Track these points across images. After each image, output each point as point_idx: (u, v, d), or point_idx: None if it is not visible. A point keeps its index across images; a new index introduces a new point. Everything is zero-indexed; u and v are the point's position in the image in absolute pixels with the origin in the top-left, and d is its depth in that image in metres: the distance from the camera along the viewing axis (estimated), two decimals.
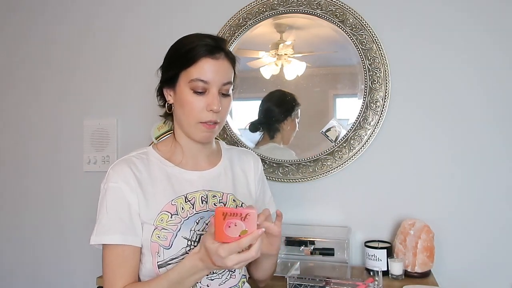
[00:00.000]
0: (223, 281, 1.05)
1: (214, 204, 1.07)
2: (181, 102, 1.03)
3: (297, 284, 1.19)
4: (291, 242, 1.49)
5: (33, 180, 2.04)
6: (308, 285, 1.18)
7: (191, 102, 1.01)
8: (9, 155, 2.09)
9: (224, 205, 1.09)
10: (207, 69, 1.00)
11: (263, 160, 1.67)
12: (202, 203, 1.06)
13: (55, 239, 2.00)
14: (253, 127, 1.74)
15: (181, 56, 1.01)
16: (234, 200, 1.11)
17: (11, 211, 2.08)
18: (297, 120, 1.70)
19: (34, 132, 2.04)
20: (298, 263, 1.41)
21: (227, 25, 1.74)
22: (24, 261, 2.05)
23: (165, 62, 1.07)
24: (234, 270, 1.08)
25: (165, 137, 1.17)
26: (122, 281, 0.97)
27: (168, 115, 1.12)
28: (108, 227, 0.98)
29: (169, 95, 1.07)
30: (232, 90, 1.10)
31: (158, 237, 1.00)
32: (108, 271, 0.99)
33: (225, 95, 1.05)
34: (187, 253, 1.01)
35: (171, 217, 1.01)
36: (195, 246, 1.01)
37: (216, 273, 1.04)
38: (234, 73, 1.08)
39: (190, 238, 1.02)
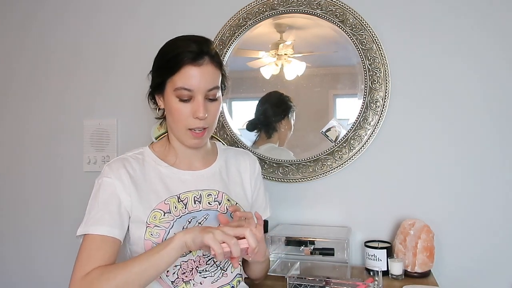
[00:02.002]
0: (215, 279, 1.06)
1: (209, 203, 1.08)
2: (169, 109, 1.04)
3: (297, 284, 1.19)
4: (291, 242, 1.49)
5: (33, 180, 2.04)
6: (308, 285, 1.18)
7: (178, 109, 1.01)
8: (9, 155, 2.09)
9: (219, 203, 1.09)
10: (190, 77, 0.99)
11: (263, 160, 1.68)
12: (195, 203, 1.06)
13: (55, 239, 2.00)
14: (251, 126, 1.74)
15: (166, 64, 1.01)
16: (228, 200, 1.11)
17: (10, 211, 2.08)
18: (292, 122, 1.70)
19: (34, 132, 2.04)
20: (298, 263, 1.41)
21: (227, 25, 1.74)
22: (23, 261, 2.05)
23: (153, 67, 1.08)
24: (226, 269, 1.08)
25: (162, 137, 1.18)
26: (96, 263, 0.93)
27: (163, 118, 1.13)
28: (96, 219, 0.98)
29: (160, 100, 1.08)
30: (224, 90, 1.10)
31: (151, 234, 1.01)
32: (83, 254, 0.95)
33: (213, 99, 1.04)
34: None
35: (164, 215, 1.02)
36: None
37: (208, 271, 1.05)
38: (224, 75, 1.08)
39: None
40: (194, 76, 0.99)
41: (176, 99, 1.01)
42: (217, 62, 1.04)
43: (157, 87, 1.06)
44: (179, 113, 1.02)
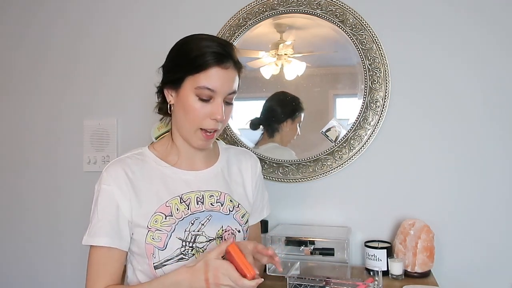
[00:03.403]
0: None
1: (211, 204, 1.07)
2: (184, 106, 1.02)
3: (297, 284, 1.19)
4: (291, 242, 1.49)
5: (33, 180, 2.04)
6: (308, 285, 1.18)
7: (195, 108, 1.00)
8: (9, 155, 2.09)
9: (222, 204, 1.08)
10: (216, 78, 0.99)
11: (263, 160, 1.68)
12: (198, 203, 1.06)
13: (55, 239, 2.00)
14: (253, 125, 1.74)
15: (190, 62, 1.00)
16: (231, 200, 1.10)
17: (10, 211, 2.08)
18: (298, 125, 1.70)
19: (34, 132, 2.04)
20: (298, 263, 1.41)
21: (227, 25, 1.74)
22: (23, 261, 2.05)
23: (170, 62, 1.06)
24: None
25: (162, 137, 1.17)
26: (105, 279, 0.98)
27: (166, 113, 1.11)
28: (96, 229, 1.00)
29: (170, 95, 1.05)
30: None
31: (152, 238, 1.00)
32: (92, 269, 1.00)
33: (229, 103, 1.05)
34: (182, 253, 1.01)
35: (165, 218, 1.02)
36: (190, 247, 1.02)
37: None
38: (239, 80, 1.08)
39: (184, 239, 1.02)
40: (219, 78, 0.99)
41: (195, 98, 1.00)
42: (239, 68, 1.05)
43: (171, 82, 1.04)
44: (195, 112, 1.01)
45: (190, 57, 1.00)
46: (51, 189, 2.01)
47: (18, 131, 2.07)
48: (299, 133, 1.70)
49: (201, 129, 1.03)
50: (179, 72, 1.02)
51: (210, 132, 1.03)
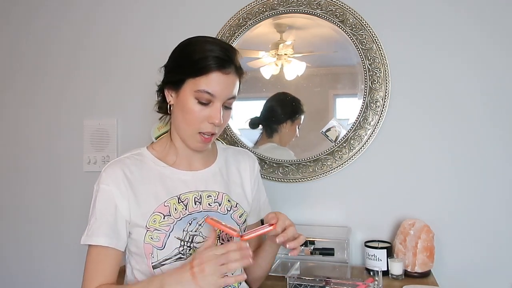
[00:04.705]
0: None
1: (209, 204, 1.07)
2: (182, 108, 1.02)
3: (297, 284, 1.19)
4: None
5: (33, 180, 2.04)
6: (308, 285, 1.18)
7: (194, 111, 1.01)
8: (9, 155, 2.09)
9: (219, 204, 1.09)
10: (216, 83, 0.99)
11: (263, 160, 1.68)
12: (195, 204, 1.06)
13: (55, 239, 2.00)
14: (253, 124, 1.74)
15: (191, 64, 1.00)
16: (229, 200, 1.11)
17: (11, 211, 2.08)
18: (297, 127, 1.70)
19: (34, 132, 2.04)
20: (298, 263, 1.41)
21: (227, 25, 1.74)
22: (23, 261, 2.05)
23: (172, 63, 1.06)
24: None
25: (162, 137, 1.17)
26: (102, 277, 0.99)
27: (166, 112, 1.11)
28: (94, 229, 1.00)
29: (170, 96, 1.06)
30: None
31: (151, 238, 1.01)
32: (88, 268, 1.00)
33: (227, 107, 1.05)
34: (181, 253, 1.01)
35: (164, 218, 1.02)
36: (188, 247, 1.02)
37: None
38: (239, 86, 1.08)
39: (183, 238, 1.02)
40: (220, 83, 1.00)
41: (195, 101, 1.00)
42: (240, 73, 1.06)
43: (172, 83, 1.04)
44: (194, 115, 1.01)
45: (192, 60, 1.00)
46: (51, 189, 2.01)
47: (18, 131, 2.07)
48: (298, 135, 1.70)
49: (198, 132, 1.03)
50: (180, 74, 1.02)
51: (208, 135, 1.04)
